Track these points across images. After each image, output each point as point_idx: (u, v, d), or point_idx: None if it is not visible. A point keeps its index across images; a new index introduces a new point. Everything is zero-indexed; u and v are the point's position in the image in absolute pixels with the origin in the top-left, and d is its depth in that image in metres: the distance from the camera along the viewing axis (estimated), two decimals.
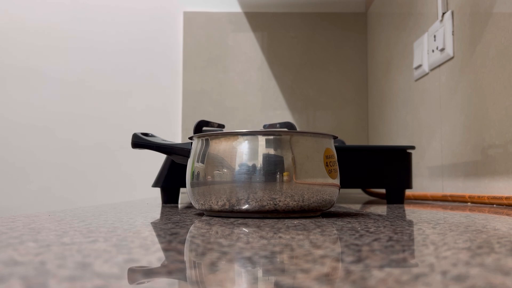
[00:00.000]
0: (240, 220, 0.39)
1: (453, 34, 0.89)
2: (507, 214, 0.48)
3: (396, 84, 1.26)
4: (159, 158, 1.38)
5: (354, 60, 1.58)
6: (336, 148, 0.64)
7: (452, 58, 0.90)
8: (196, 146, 0.46)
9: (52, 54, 1.57)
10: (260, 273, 0.17)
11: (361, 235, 0.28)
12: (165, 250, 0.23)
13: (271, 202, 0.41)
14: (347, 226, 0.34)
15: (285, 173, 0.41)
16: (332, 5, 1.56)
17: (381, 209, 0.57)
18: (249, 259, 0.20)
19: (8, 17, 1.57)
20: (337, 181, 0.45)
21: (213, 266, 0.18)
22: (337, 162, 0.46)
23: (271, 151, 0.42)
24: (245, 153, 0.42)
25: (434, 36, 0.97)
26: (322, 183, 0.43)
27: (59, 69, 1.56)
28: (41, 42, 1.57)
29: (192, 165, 0.46)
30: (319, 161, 0.43)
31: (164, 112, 1.57)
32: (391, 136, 1.32)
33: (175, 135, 1.55)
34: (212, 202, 0.43)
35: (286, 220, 0.39)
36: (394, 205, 0.66)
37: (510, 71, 0.70)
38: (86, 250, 0.22)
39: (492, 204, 0.66)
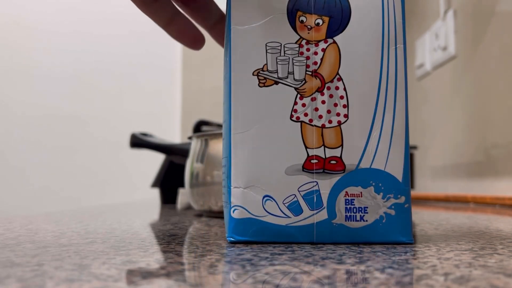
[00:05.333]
0: None
1: (455, 33, 0.89)
2: (510, 215, 0.48)
3: None
4: (158, 158, 1.38)
5: None
6: None
7: (454, 57, 0.90)
8: (195, 146, 0.46)
9: (52, 54, 1.57)
10: (260, 275, 0.17)
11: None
12: (163, 251, 0.22)
13: None
14: None
15: None
16: None
17: None
18: (249, 261, 0.20)
19: (8, 16, 1.57)
20: None
21: (212, 268, 0.18)
22: None
23: None
24: None
25: (437, 35, 0.96)
26: None
27: (59, 69, 1.57)
28: (41, 42, 1.57)
29: (191, 165, 0.46)
30: None
31: (163, 111, 1.57)
32: None
33: (174, 135, 1.55)
34: (211, 203, 0.43)
35: None
36: None
37: None
38: (84, 252, 0.22)
39: (495, 204, 0.66)
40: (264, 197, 0.24)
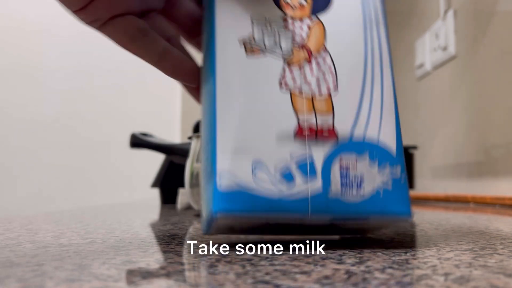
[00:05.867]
0: None
1: (455, 33, 0.89)
2: (510, 215, 0.48)
3: (398, 83, 1.26)
4: (158, 158, 1.38)
5: None
6: None
7: (454, 57, 0.90)
8: (195, 146, 0.46)
9: (52, 54, 1.57)
10: (260, 275, 0.17)
11: (362, 236, 0.28)
12: (163, 251, 0.22)
13: None
14: None
15: None
16: None
17: None
18: (249, 261, 0.20)
19: (8, 15, 1.57)
20: None
21: (212, 268, 0.18)
22: None
23: None
24: None
25: (437, 35, 0.96)
26: None
27: (58, 69, 1.56)
28: (40, 42, 1.57)
29: (191, 165, 0.46)
30: None
31: (163, 111, 1.56)
32: None
33: (174, 135, 1.55)
34: None
35: None
36: None
37: None
38: (84, 252, 0.22)
39: (495, 204, 0.66)
40: (254, 165, 0.22)
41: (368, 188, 0.23)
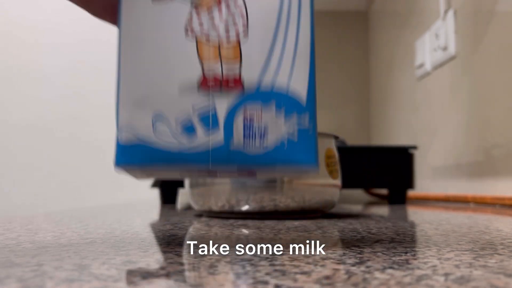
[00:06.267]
0: (240, 221, 0.39)
1: (455, 33, 0.89)
2: (510, 215, 0.48)
3: (398, 83, 1.26)
4: None
5: (356, 58, 1.58)
6: (337, 148, 0.63)
7: (454, 57, 0.90)
8: None
9: (53, 53, 1.57)
10: (260, 275, 0.17)
11: (362, 237, 0.28)
12: (163, 251, 0.22)
13: (271, 203, 0.41)
14: (349, 227, 0.34)
15: None
16: (333, 3, 1.55)
17: (383, 210, 0.57)
18: (249, 261, 0.20)
19: (6, 15, 1.57)
20: (338, 182, 0.45)
21: (212, 268, 0.18)
22: (338, 162, 0.46)
23: None
24: None
25: (437, 35, 0.96)
26: (323, 184, 0.42)
27: (58, 68, 1.57)
28: (39, 42, 1.57)
29: None
30: (320, 161, 0.43)
31: None
32: (393, 136, 1.32)
33: None
34: (211, 203, 0.43)
35: (287, 221, 0.39)
36: (396, 205, 0.66)
37: None
38: (84, 252, 0.22)
39: (495, 204, 0.66)
40: (154, 117, 0.22)
41: (272, 138, 0.22)
